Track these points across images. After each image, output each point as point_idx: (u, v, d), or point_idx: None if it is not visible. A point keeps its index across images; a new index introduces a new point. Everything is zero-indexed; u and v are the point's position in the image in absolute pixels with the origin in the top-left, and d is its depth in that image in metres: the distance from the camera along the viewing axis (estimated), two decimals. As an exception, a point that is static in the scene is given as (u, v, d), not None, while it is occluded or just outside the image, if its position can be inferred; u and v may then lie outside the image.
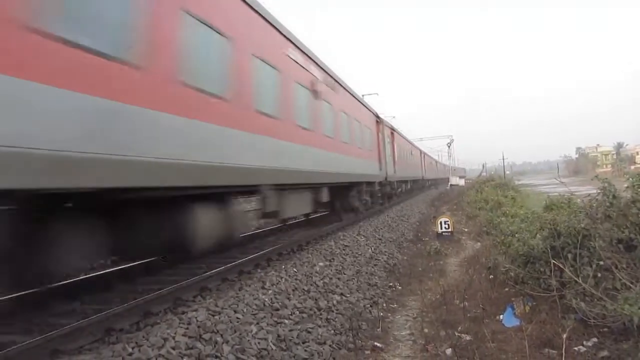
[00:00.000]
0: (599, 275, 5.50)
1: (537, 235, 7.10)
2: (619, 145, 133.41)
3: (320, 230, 13.43)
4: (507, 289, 7.27)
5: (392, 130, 26.28)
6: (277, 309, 6.32)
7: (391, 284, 9.15)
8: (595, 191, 6.79)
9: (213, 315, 5.62)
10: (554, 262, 5.84)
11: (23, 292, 5.93)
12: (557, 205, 11.96)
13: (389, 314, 7.34)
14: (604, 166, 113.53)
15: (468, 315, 6.48)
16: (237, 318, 5.68)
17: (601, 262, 5.54)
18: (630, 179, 6.47)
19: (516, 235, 8.27)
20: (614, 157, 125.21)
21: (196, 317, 5.40)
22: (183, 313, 5.63)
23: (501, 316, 6.41)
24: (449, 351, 5.48)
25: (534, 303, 6.29)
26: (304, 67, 11.13)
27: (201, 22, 6.58)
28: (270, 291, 6.96)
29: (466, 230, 16.57)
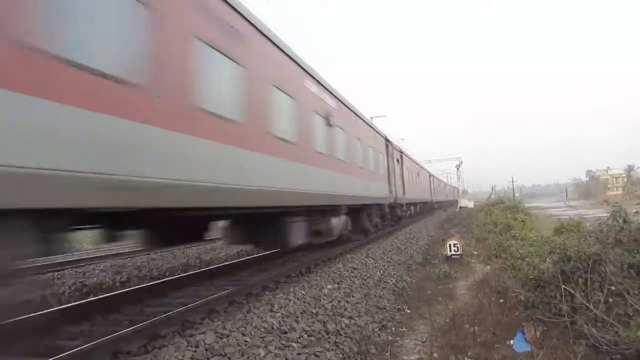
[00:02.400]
0: (611, 300, 5.45)
1: (547, 259, 7.05)
2: (630, 168, 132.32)
3: (328, 253, 13.39)
4: (517, 314, 7.18)
5: (401, 153, 26.55)
6: (286, 332, 6.29)
7: (400, 307, 9.06)
8: (605, 215, 6.76)
9: (221, 338, 5.60)
10: (564, 287, 5.79)
11: (32, 315, 5.97)
12: (567, 229, 11.88)
13: (398, 338, 7.25)
14: (615, 189, 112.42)
15: (478, 340, 6.40)
16: (245, 341, 5.66)
17: (612, 288, 5.49)
18: (641, 202, 6.44)
19: (526, 259, 8.21)
20: (625, 180, 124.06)
21: (204, 340, 5.38)
22: (191, 336, 5.61)
23: (512, 341, 6.33)
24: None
25: (545, 328, 6.21)
26: (319, 96, 11.59)
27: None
28: (278, 314, 6.93)
29: (475, 253, 16.42)
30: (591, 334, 5.15)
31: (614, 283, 5.51)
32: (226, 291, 7.68)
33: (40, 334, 5.61)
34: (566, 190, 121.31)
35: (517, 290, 7.30)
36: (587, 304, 5.46)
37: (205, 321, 6.50)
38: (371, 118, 22.70)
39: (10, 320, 4.15)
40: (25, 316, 5.84)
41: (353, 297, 8.86)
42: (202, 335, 5.56)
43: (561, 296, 5.90)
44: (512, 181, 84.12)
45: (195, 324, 6.30)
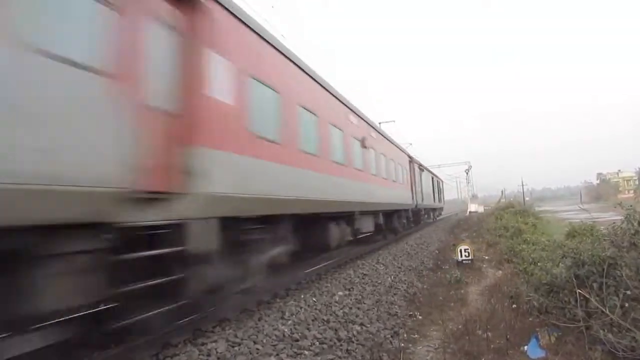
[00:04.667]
0: (627, 305, 5.35)
1: (560, 263, 6.97)
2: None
3: (339, 259, 13.40)
4: (531, 319, 7.10)
5: (420, 166, 31.32)
6: (297, 340, 6.26)
7: (411, 313, 9.00)
8: (619, 218, 6.67)
9: (233, 346, 5.59)
10: (579, 292, 5.71)
11: (44, 324, 5.96)
12: (580, 233, 11.75)
13: (410, 345, 7.19)
14: (626, 192, 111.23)
15: (491, 346, 6.33)
16: (257, 349, 5.64)
17: (628, 292, 5.40)
18: (655, 205, 6.35)
19: (538, 263, 8.12)
20: (636, 182, 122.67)
21: (216, 349, 5.38)
22: (203, 344, 5.61)
23: (526, 347, 6.25)
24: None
25: (560, 333, 6.13)
26: (357, 125, 14.89)
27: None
28: (289, 321, 6.91)
29: (487, 257, 16.29)
30: (607, 339, 5.07)
31: (630, 287, 5.42)
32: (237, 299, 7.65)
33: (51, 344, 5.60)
34: (580, 193, 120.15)
35: (530, 295, 7.21)
36: (603, 309, 5.37)
37: (216, 329, 6.49)
38: (379, 123, 24.51)
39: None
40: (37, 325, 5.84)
41: (364, 303, 8.81)
42: (213, 344, 5.55)
43: (576, 301, 5.82)
44: (522, 184, 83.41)
45: (206, 333, 6.29)
